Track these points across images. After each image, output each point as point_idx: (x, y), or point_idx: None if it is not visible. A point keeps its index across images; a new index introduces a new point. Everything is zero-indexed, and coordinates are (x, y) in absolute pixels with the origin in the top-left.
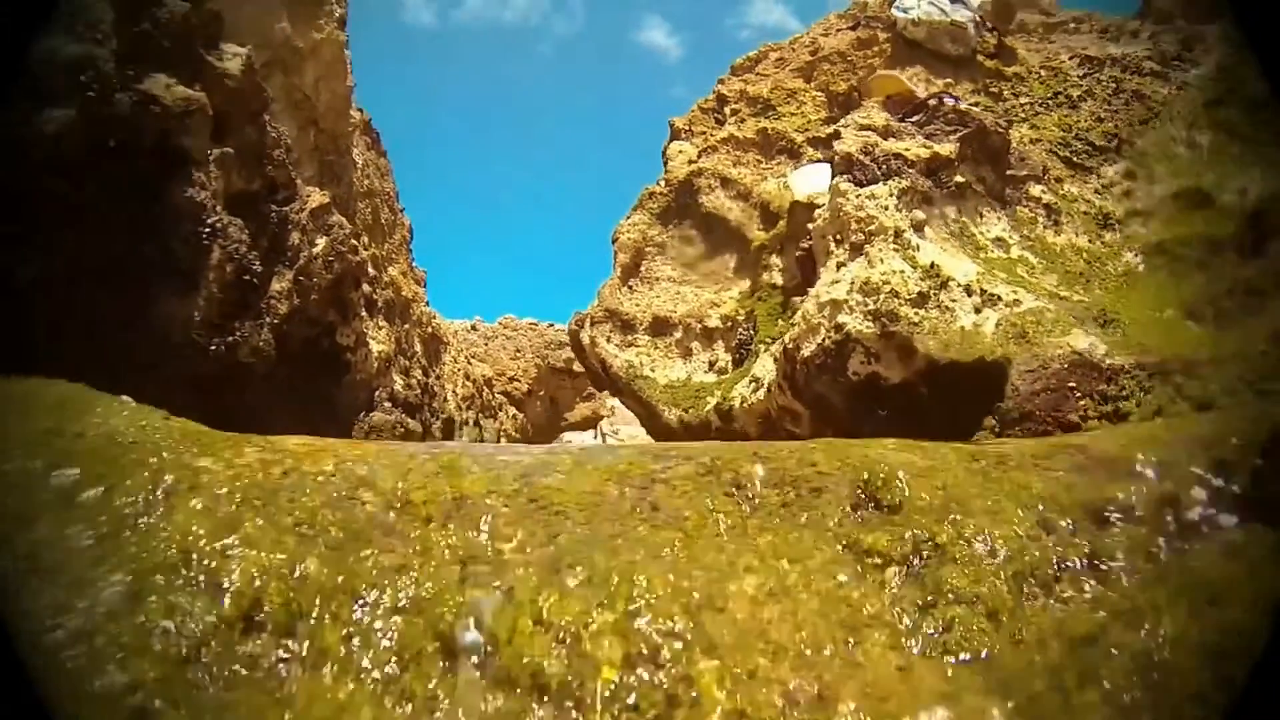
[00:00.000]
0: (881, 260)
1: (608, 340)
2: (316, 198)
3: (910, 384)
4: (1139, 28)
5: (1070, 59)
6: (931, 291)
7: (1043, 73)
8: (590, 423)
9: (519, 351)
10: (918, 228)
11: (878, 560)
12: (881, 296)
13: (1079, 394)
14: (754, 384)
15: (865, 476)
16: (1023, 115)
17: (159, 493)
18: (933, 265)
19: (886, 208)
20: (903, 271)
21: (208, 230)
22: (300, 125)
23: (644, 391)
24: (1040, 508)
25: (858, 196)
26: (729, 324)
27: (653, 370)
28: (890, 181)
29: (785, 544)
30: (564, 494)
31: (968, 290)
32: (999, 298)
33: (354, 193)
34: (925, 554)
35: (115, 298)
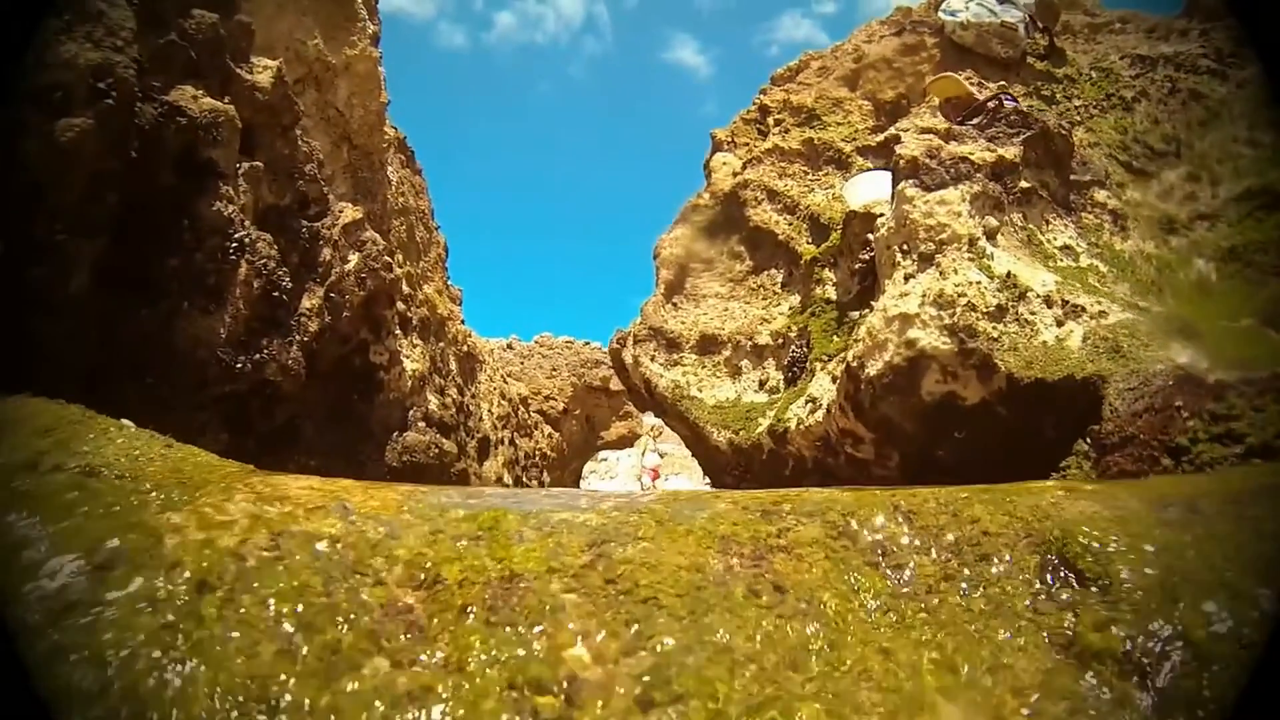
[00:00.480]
0: (955, 271)
1: (652, 359)
2: (349, 213)
3: (989, 405)
4: (1187, 26)
5: (1121, 59)
6: (1010, 304)
7: (1094, 74)
8: (626, 441)
9: (555, 370)
10: (990, 235)
11: (1112, 668)
12: (958, 310)
13: (1186, 413)
14: (810, 404)
15: (1054, 536)
16: (1077, 118)
17: (91, 565)
18: (1009, 275)
19: (959, 214)
20: (979, 282)
21: (235, 245)
22: (334, 141)
23: (691, 412)
24: None
25: (926, 203)
26: (780, 341)
27: (700, 390)
28: (961, 186)
29: (970, 643)
30: (653, 571)
31: (1047, 301)
32: (1083, 309)
33: (388, 210)
34: (1174, 656)
35: (139, 312)
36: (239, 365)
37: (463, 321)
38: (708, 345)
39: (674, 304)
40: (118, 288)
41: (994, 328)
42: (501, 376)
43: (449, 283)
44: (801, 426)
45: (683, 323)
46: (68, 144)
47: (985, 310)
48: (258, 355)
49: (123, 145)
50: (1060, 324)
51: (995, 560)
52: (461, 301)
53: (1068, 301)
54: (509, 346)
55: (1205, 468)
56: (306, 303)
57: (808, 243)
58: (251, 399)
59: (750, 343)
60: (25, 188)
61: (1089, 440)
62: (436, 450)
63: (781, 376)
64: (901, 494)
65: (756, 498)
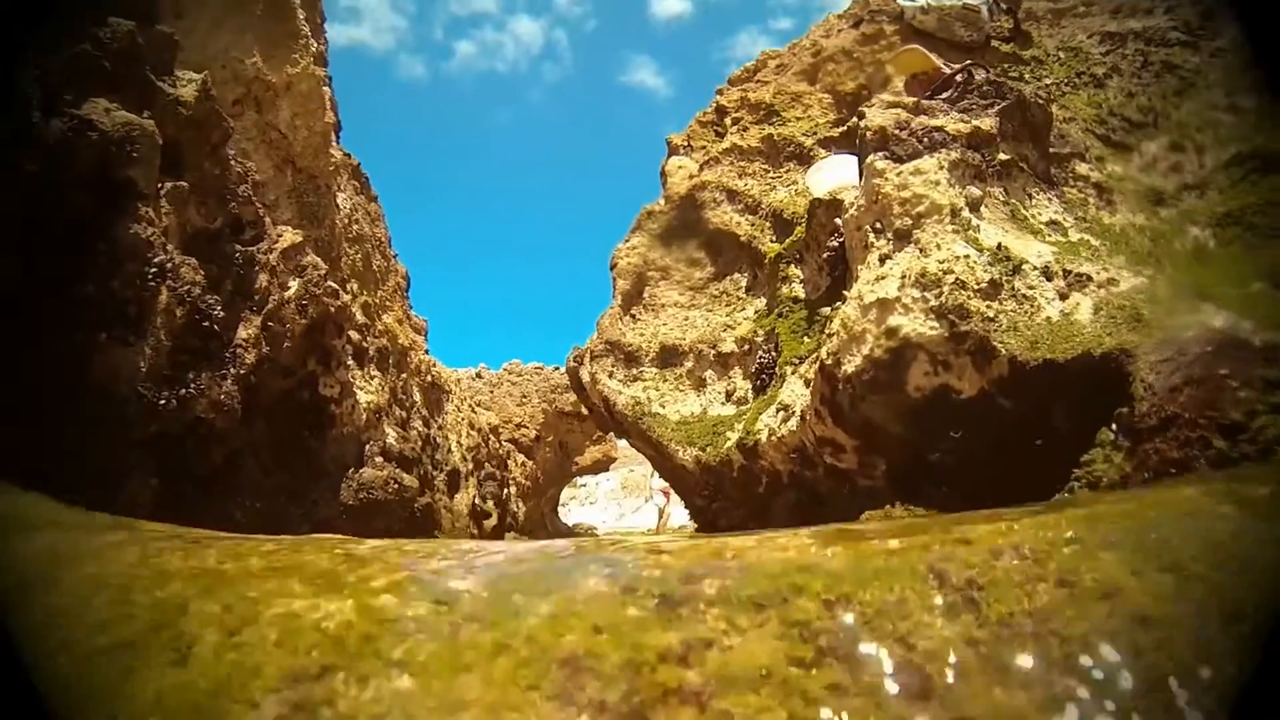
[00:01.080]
0: (938, 246)
1: (610, 375)
2: (289, 237)
3: (988, 396)
4: (1152, 4)
5: (1089, 38)
6: (1004, 278)
7: (1061, 54)
8: (602, 466)
9: (525, 397)
10: (974, 206)
11: None
12: (945, 289)
13: (1235, 383)
14: (783, 413)
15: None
16: (1049, 96)
17: None
18: (1000, 247)
19: (937, 183)
20: (966, 256)
21: (155, 270)
22: (276, 164)
23: (653, 430)
24: None
25: (899, 174)
26: (746, 347)
27: (662, 406)
28: (938, 154)
29: None
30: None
31: (1046, 273)
32: (1089, 277)
33: (337, 235)
34: None
35: (49, 345)
36: (163, 402)
37: (427, 351)
38: (668, 357)
39: (632, 315)
40: (21, 317)
41: (988, 306)
42: (470, 406)
43: (411, 312)
44: (774, 438)
45: (641, 334)
46: None
47: (977, 287)
48: (184, 390)
49: (16, 160)
50: (1064, 296)
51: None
52: (426, 332)
53: (1070, 271)
54: (478, 375)
55: (1270, 448)
56: (242, 332)
57: (771, 242)
58: (185, 438)
59: (714, 352)
60: None
61: (1117, 427)
62: (396, 485)
63: (749, 386)
64: (938, 536)
65: (665, 561)
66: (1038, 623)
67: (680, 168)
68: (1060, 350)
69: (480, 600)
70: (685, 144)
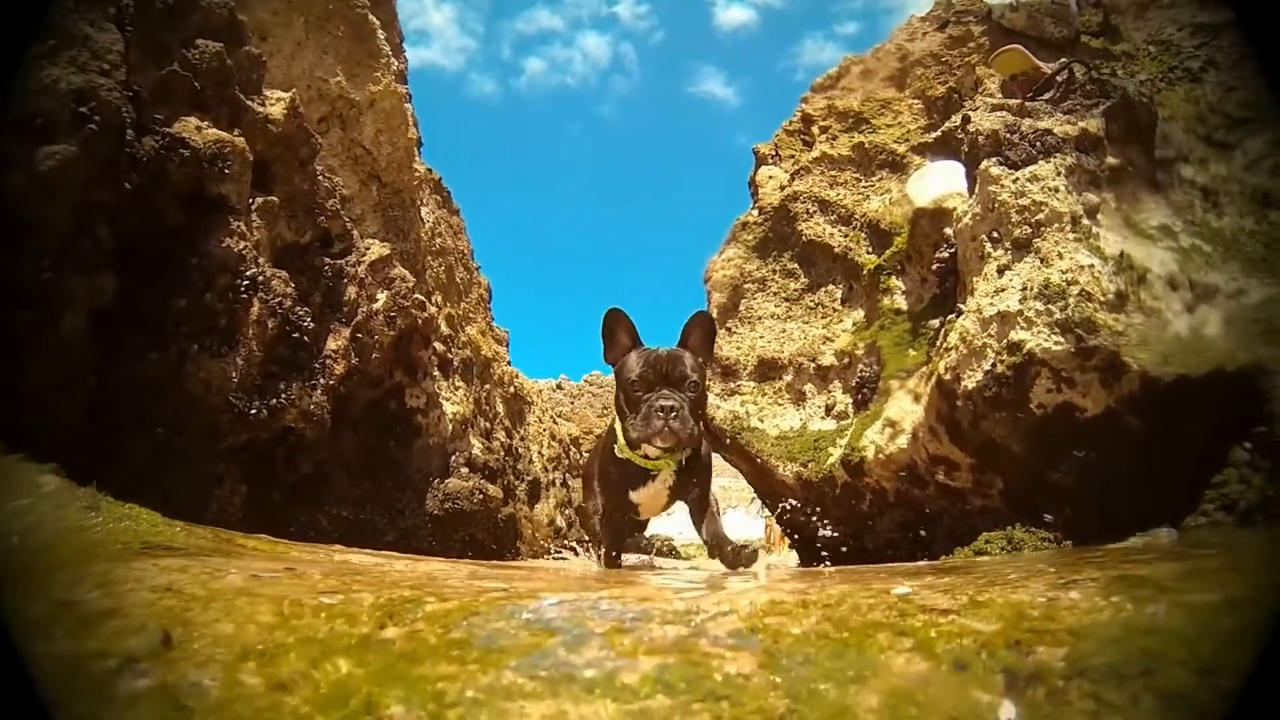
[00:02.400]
0: (1060, 255)
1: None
2: (376, 250)
3: (1115, 414)
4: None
5: (1179, 31)
6: (1130, 289)
7: (1152, 49)
8: None
9: (606, 408)
10: (1091, 214)
11: None
12: (1070, 301)
13: None
14: (889, 429)
15: None
16: (1151, 94)
17: None
18: (1123, 255)
19: (1056, 189)
20: (1091, 266)
21: (246, 283)
22: (362, 180)
23: (753, 445)
24: None
25: (1015, 181)
26: (846, 360)
27: (761, 420)
28: (1054, 159)
29: None
30: None
31: (1171, 283)
32: (1216, 288)
33: (422, 248)
34: None
35: (144, 357)
36: (254, 411)
37: (509, 363)
38: (766, 370)
39: (728, 328)
40: (119, 331)
41: (1116, 319)
42: (551, 417)
43: (493, 324)
44: (881, 455)
45: (738, 348)
46: (49, 173)
47: (1103, 299)
48: (275, 400)
49: (114, 175)
50: (1191, 309)
51: None
52: (508, 343)
53: (1196, 282)
54: (558, 387)
55: None
56: (331, 344)
57: (867, 253)
58: (274, 448)
59: (813, 365)
60: (9, 223)
61: (1253, 446)
62: (481, 496)
63: (850, 400)
64: None
65: None
66: None
67: (771, 178)
68: (1193, 366)
69: None
70: (774, 153)
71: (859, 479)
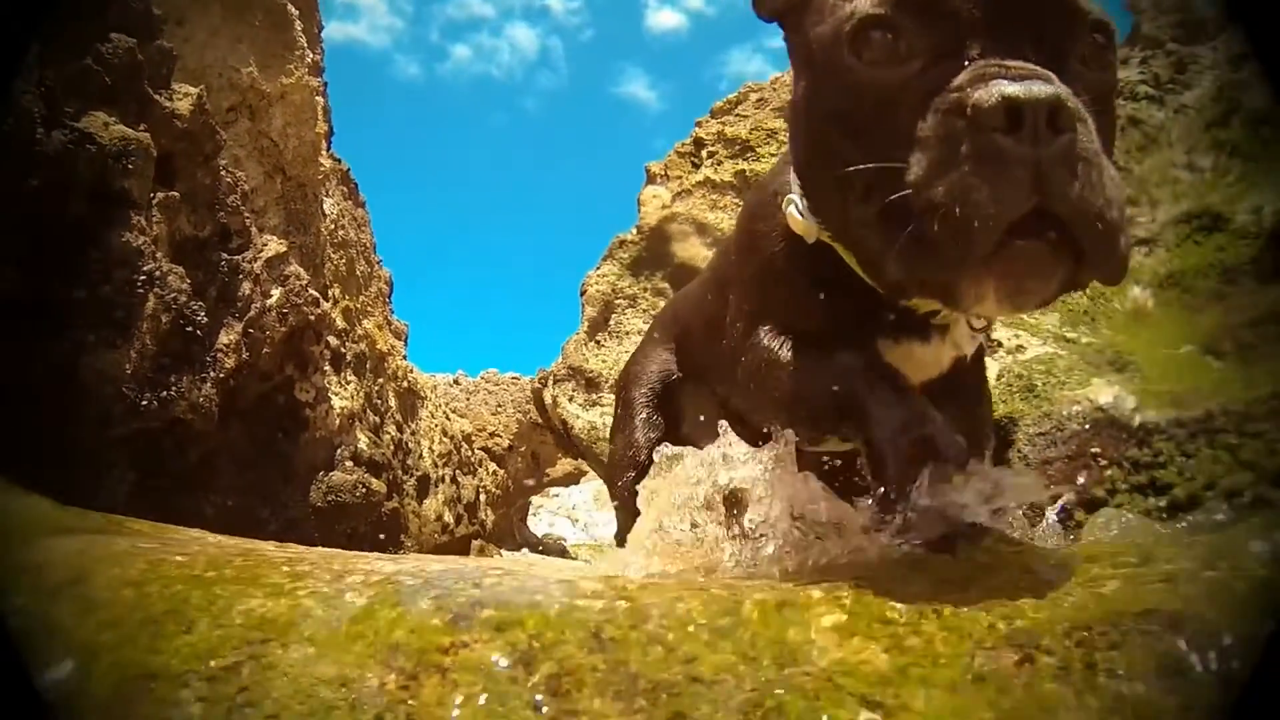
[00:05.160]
0: None
1: (570, 399)
2: (273, 247)
3: None
4: (1129, 54)
5: None
6: None
7: None
8: (573, 478)
9: (500, 406)
10: None
11: None
12: None
13: (1104, 461)
14: None
15: None
16: None
17: None
18: None
19: None
20: None
21: (144, 277)
22: (267, 171)
23: (606, 455)
24: None
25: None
26: None
27: None
28: None
29: None
30: None
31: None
32: (999, 343)
33: (322, 242)
34: None
35: (43, 346)
36: (144, 402)
37: (405, 357)
38: None
39: (597, 341)
40: (21, 320)
41: None
42: (444, 413)
43: (392, 317)
44: None
45: (604, 361)
46: None
47: None
48: (165, 392)
49: (22, 173)
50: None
51: None
52: (407, 337)
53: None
54: (455, 382)
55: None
56: (224, 338)
57: None
58: (163, 437)
59: None
60: None
61: None
62: (364, 490)
63: None
64: None
65: None
66: None
67: (655, 197)
68: None
69: None
70: (663, 173)
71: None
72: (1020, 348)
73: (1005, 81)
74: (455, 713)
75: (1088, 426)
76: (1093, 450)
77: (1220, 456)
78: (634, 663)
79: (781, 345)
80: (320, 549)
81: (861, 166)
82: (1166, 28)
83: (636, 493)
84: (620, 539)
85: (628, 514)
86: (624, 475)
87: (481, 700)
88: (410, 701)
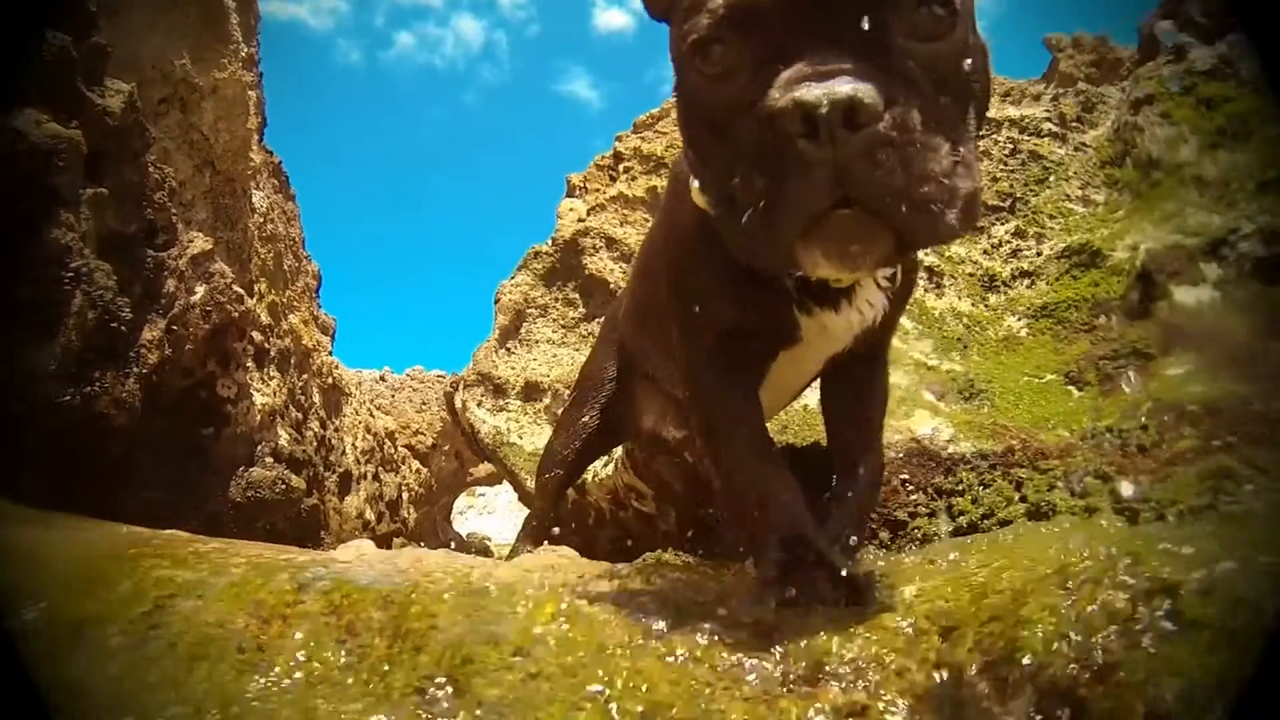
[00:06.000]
0: None
1: (478, 405)
2: (199, 244)
3: None
4: (1041, 90)
5: None
6: None
7: None
8: (496, 478)
9: (425, 404)
10: None
11: None
12: None
13: (911, 487)
14: (605, 457)
15: None
16: None
17: None
18: None
19: None
20: None
21: (71, 274)
22: (196, 165)
23: (509, 459)
24: None
25: None
26: None
27: (519, 437)
28: None
29: None
30: None
31: None
32: (924, 364)
33: (250, 237)
34: None
35: None
36: (67, 398)
37: (330, 352)
38: (531, 392)
39: (507, 349)
40: None
41: None
42: (369, 410)
43: (319, 312)
44: (597, 478)
45: (512, 369)
46: None
47: None
48: (89, 388)
49: None
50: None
51: None
52: (334, 332)
53: (910, 358)
54: (381, 379)
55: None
56: (147, 334)
57: None
58: (84, 432)
59: (569, 390)
60: None
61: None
62: (283, 486)
63: None
64: None
65: None
66: None
67: (571, 210)
68: (803, 436)
69: None
70: (582, 185)
71: (583, 496)
72: (946, 364)
73: (807, 86)
74: (288, 642)
75: (902, 455)
76: (902, 477)
77: (1004, 489)
78: (410, 620)
79: (715, 405)
80: (219, 539)
81: (704, 170)
82: (1082, 66)
83: (555, 486)
84: (527, 526)
85: (543, 504)
86: (550, 469)
87: (301, 634)
88: (261, 636)
